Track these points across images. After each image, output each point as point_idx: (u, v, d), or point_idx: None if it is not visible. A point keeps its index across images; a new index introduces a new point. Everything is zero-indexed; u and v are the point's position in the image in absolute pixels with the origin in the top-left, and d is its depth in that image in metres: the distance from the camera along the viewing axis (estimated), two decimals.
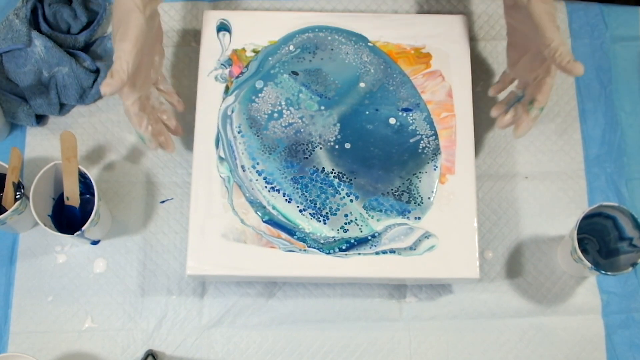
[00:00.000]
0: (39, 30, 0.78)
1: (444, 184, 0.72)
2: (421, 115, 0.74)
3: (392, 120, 0.73)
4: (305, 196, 0.71)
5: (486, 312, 0.76)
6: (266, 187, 0.71)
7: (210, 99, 0.73)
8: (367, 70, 0.75)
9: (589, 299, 0.76)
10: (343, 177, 0.71)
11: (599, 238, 0.76)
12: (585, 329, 0.75)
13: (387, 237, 0.70)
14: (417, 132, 0.73)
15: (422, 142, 0.73)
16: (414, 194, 0.72)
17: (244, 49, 0.74)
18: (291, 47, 0.74)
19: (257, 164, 0.71)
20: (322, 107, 0.73)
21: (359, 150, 0.72)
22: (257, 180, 0.71)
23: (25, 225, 0.76)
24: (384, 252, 0.70)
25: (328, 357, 0.74)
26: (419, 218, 0.71)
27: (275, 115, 0.72)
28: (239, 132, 0.71)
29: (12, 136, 0.80)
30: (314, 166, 0.71)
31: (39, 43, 0.77)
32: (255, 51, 0.74)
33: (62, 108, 0.80)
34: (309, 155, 0.72)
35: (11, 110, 0.78)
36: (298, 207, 0.70)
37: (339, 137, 0.72)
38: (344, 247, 0.70)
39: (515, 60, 0.70)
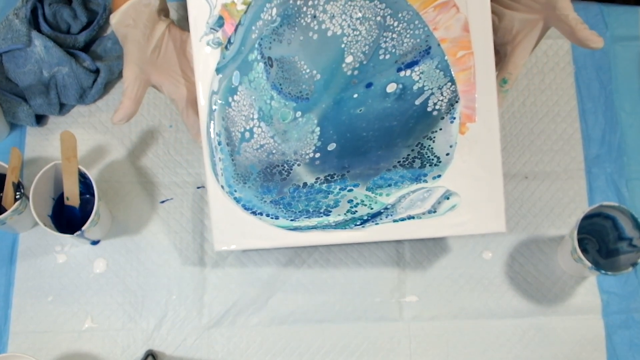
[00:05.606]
0: (39, 30, 0.78)
1: (464, 134, 0.65)
2: (432, 63, 0.64)
3: (390, 88, 0.64)
4: (293, 211, 0.67)
5: (486, 312, 0.76)
6: (247, 211, 0.67)
7: (207, 69, 0.66)
8: (355, 36, 0.63)
9: (589, 299, 0.76)
10: (332, 178, 0.66)
11: (599, 238, 0.76)
12: (585, 329, 0.75)
13: (402, 207, 0.66)
14: (425, 88, 0.64)
15: (432, 98, 0.65)
16: (428, 156, 0.65)
17: (233, 2, 0.65)
18: (273, 13, 0.64)
19: (235, 191, 0.67)
20: (298, 114, 0.65)
21: (346, 144, 0.65)
22: (235, 206, 0.67)
23: (25, 225, 0.76)
24: (403, 219, 0.66)
25: (328, 357, 0.74)
26: (439, 176, 0.66)
27: (247, 135, 0.65)
28: (219, 144, 0.66)
29: (12, 136, 0.80)
30: (294, 184, 0.66)
31: (39, 43, 0.77)
32: (246, 3, 0.64)
33: (62, 108, 0.80)
34: (287, 176, 0.66)
35: (11, 110, 0.78)
36: (288, 219, 0.67)
37: (318, 144, 0.65)
38: (358, 223, 0.66)
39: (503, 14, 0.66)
